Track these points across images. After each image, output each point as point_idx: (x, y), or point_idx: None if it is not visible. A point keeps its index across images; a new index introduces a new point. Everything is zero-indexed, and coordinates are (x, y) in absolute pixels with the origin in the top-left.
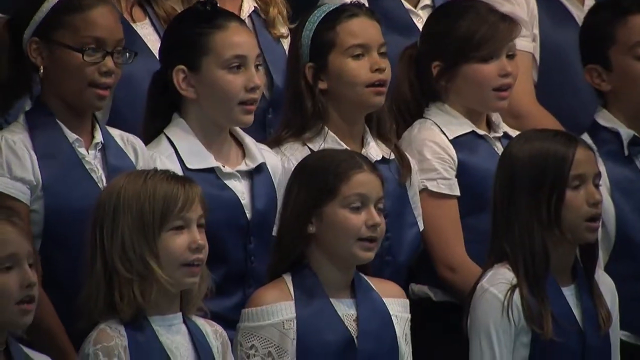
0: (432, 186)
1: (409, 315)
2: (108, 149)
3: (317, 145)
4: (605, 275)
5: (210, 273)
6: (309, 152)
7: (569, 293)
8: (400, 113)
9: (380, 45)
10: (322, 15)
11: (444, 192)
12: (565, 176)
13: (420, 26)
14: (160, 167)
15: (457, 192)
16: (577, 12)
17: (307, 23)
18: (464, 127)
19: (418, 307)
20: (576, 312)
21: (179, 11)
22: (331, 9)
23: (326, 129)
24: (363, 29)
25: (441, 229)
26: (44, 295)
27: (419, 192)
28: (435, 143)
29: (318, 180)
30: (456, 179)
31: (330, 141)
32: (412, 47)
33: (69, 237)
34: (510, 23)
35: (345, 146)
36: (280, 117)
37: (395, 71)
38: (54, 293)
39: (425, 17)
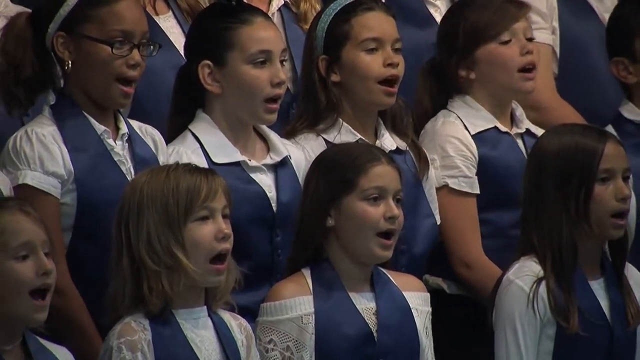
0: (454, 184)
1: (430, 309)
2: (133, 140)
3: (331, 136)
4: (633, 268)
5: (238, 266)
6: (324, 143)
7: (597, 286)
8: (420, 123)
9: (395, 40)
10: (338, 8)
11: (464, 190)
12: (593, 170)
13: (437, 17)
14: (186, 162)
15: (477, 190)
16: (597, 4)
17: (322, 15)
18: (487, 122)
19: (431, 298)
20: (604, 305)
21: (202, 4)
22: (347, 2)
23: (340, 120)
24: (378, 24)
25: (459, 225)
26: (73, 286)
27: (440, 188)
28: (458, 139)
29: (336, 173)
30: (476, 177)
31: (345, 131)
32: (429, 62)
33: (99, 230)
34: (517, 4)
35: (359, 136)
36: None
37: (411, 58)
38: (83, 285)
39: (443, 7)
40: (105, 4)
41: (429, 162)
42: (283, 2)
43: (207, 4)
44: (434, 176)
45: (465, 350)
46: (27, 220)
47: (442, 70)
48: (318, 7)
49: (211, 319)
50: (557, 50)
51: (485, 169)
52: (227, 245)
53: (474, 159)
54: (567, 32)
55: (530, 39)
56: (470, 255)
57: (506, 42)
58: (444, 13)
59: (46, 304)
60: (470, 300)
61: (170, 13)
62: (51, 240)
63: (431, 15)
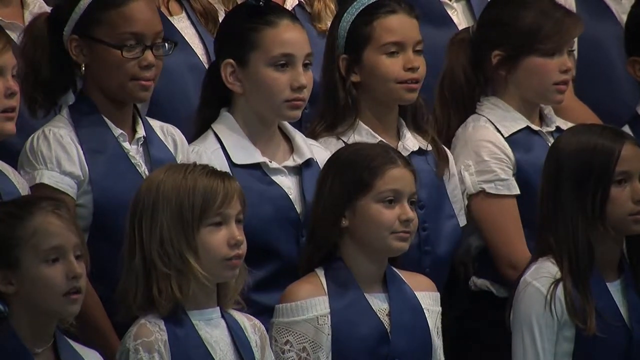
0: (490, 188)
1: (440, 309)
2: (151, 142)
3: (350, 139)
4: None
5: (248, 267)
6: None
7: (614, 289)
8: (453, 99)
9: (416, 42)
10: (361, 8)
11: (502, 193)
12: (610, 171)
13: (455, 18)
14: (206, 162)
15: (516, 191)
16: (615, 5)
17: (345, 14)
18: (519, 122)
19: (479, 299)
20: (622, 307)
21: (215, 5)
22: (371, 2)
23: (358, 121)
24: (400, 27)
25: (502, 228)
26: (91, 288)
27: (477, 193)
28: (492, 143)
29: (352, 175)
30: (514, 178)
31: (364, 134)
32: (463, 32)
33: (115, 231)
34: (575, 19)
35: (379, 138)
36: (317, 112)
37: (430, 58)
38: (101, 286)
39: (460, 10)
40: (114, 7)
41: (449, 159)
42: (297, 2)
43: (222, 5)
44: (456, 175)
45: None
46: (59, 223)
47: (478, 54)
48: (332, 7)
49: (224, 319)
50: (575, 52)
51: (522, 172)
52: (239, 251)
53: (509, 160)
54: (585, 34)
55: (571, 51)
56: (516, 256)
57: (551, 55)
58: (461, 16)
59: (78, 298)
60: None
61: (184, 14)
62: (83, 242)
63: (449, 15)
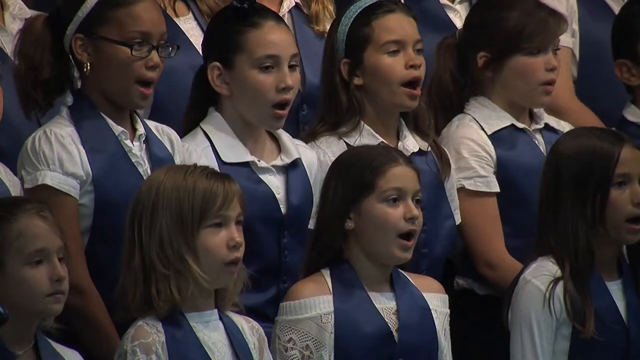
0: (470, 185)
1: (448, 311)
2: (150, 140)
3: (352, 140)
4: None
5: (246, 268)
6: (345, 146)
7: (615, 287)
8: (440, 104)
9: (416, 41)
10: (358, 11)
11: (481, 189)
12: (609, 174)
13: (457, 21)
14: (196, 160)
15: (496, 189)
16: (617, 7)
17: (343, 18)
18: (504, 120)
19: (462, 298)
20: (621, 307)
21: (222, 6)
22: (367, 4)
23: (362, 123)
24: (399, 25)
25: (480, 226)
26: (93, 286)
27: (457, 190)
28: (473, 140)
29: (355, 176)
30: (494, 176)
31: (366, 135)
32: (450, 37)
33: (116, 231)
34: (558, 18)
35: (380, 139)
36: (314, 114)
37: (431, 62)
38: (101, 286)
39: (463, 12)
40: (123, 6)
41: (450, 162)
42: (294, 4)
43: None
44: (454, 173)
45: (494, 350)
46: (44, 226)
47: (465, 57)
48: (330, 8)
49: (222, 321)
50: (577, 53)
51: (504, 169)
52: (238, 254)
53: (489, 158)
54: (587, 35)
55: (556, 50)
56: (493, 255)
57: (535, 54)
58: (464, 17)
59: (62, 298)
60: (499, 300)
61: (190, 15)
62: (66, 244)
63: (451, 19)
